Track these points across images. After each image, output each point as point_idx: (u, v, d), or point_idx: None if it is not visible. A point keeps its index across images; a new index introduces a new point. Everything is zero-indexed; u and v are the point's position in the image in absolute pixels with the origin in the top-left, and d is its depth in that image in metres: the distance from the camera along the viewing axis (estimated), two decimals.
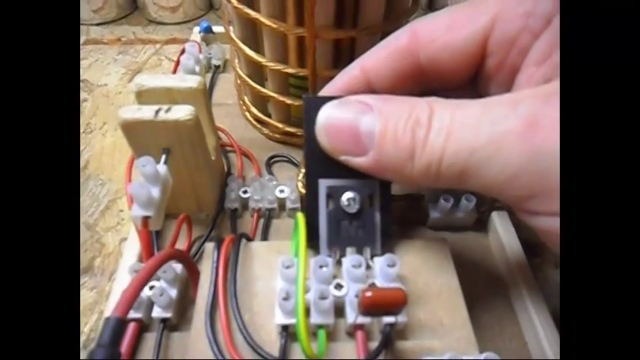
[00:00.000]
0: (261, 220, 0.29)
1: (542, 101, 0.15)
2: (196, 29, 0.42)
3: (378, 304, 0.17)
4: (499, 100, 0.16)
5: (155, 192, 0.21)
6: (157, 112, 0.23)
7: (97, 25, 0.59)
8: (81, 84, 0.48)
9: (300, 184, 0.29)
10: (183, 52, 0.37)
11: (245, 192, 0.29)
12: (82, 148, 0.40)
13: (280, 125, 0.33)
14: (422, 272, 0.22)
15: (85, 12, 0.58)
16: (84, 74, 0.50)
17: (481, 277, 0.26)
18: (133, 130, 0.23)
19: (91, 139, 0.41)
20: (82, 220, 0.35)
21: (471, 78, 0.20)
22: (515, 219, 0.28)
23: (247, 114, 0.36)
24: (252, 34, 0.30)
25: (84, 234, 0.34)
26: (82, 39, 0.56)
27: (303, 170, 0.30)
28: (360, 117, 0.18)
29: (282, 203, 0.29)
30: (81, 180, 0.37)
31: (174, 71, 0.36)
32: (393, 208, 0.22)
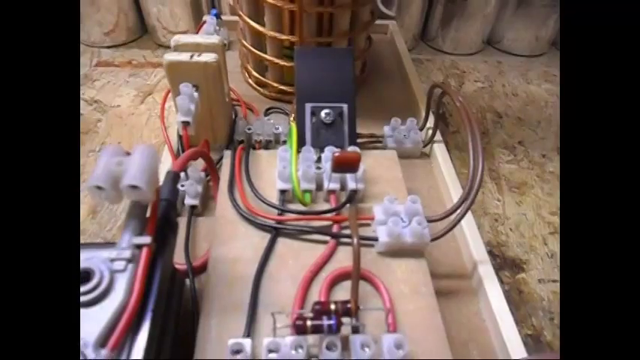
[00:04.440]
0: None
1: None
2: (206, 16, 0.52)
3: (343, 162, 0.26)
4: None
5: (192, 107, 0.31)
6: (192, 56, 0.32)
7: (108, 47, 0.64)
8: (95, 104, 0.53)
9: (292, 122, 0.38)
10: (204, 23, 0.46)
11: (249, 129, 0.38)
12: None
13: (276, 84, 0.43)
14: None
15: (97, 34, 0.63)
16: (97, 95, 0.54)
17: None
18: (174, 68, 0.32)
19: None
20: (100, 235, 0.40)
21: None
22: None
23: (249, 80, 0.46)
24: (255, 11, 0.40)
25: None
26: (94, 61, 0.61)
27: (293, 115, 0.39)
28: None
29: (277, 138, 0.38)
30: None
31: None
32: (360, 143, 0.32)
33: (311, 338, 0.21)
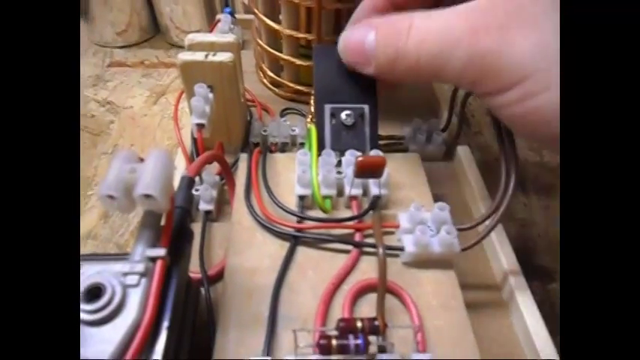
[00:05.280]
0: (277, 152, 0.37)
1: (482, 14, 0.20)
2: (220, 14, 0.50)
3: (366, 167, 0.24)
4: (458, 11, 0.21)
5: (207, 108, 0.29)
6: (207, 55, 0.31)
7: (121, 47, 0.63)
8: (107, 106, 0.52)
9: (309, 123, 0.37)
10: (218, 21, 0.45)
11: (265, 130, 0.37)
12: None
13: (291, 84, 0.41)
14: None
15: (109, 34, 0.62)
16: (110, 96, 0.53)
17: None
18: (188, 68, 0.31)
19: None
20: (112, 240, 0.39)
21: None
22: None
23: (264, 80, 0.44)
24: (271, 8, 0.38)
25: None
26: (107, 61, 0.60)
27: (310, 116, 0.38)
28: (365, 35, 0.24)
29: (294, 140, 0.37)
30: None
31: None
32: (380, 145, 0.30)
33: (334, 357, 0.20)
